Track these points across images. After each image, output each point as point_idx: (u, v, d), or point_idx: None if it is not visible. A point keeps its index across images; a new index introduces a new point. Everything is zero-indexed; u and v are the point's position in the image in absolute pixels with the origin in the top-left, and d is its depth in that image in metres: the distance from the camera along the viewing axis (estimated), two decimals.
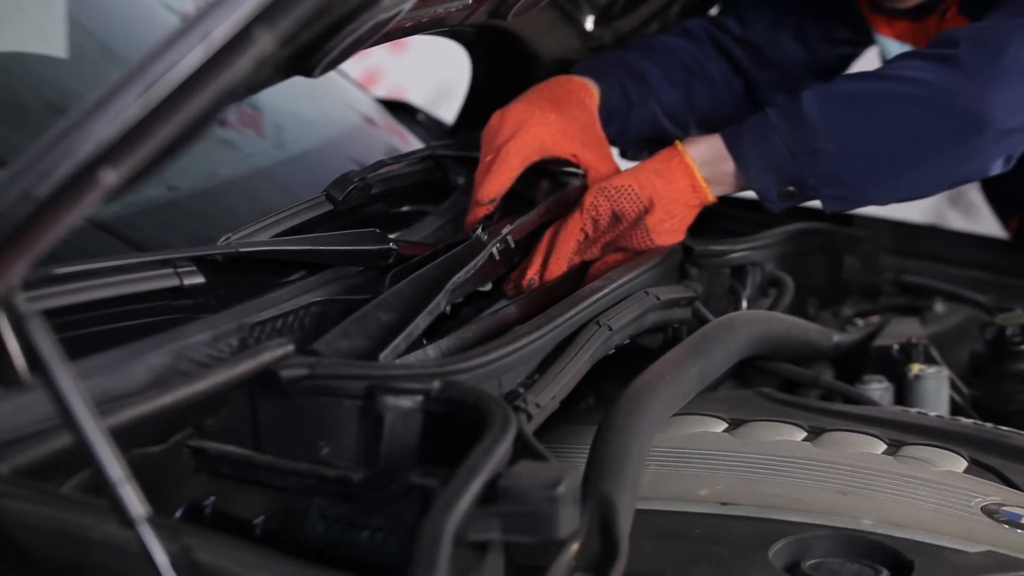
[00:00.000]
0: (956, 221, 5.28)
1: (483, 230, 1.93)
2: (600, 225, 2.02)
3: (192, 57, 1.07)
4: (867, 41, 2.54)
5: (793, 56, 2.53)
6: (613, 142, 2.33)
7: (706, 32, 2.51)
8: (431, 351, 1.63)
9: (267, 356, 1.43)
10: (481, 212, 2.02)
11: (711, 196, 2.08)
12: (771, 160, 2.06)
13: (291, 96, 2.31)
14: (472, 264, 1.81)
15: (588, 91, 2.23)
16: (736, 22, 2.52)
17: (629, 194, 2.01)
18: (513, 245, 1.94)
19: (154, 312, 1.57)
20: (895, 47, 2.38)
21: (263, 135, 2.35)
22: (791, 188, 2.07)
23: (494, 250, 1.88)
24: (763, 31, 2.51)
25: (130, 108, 1.07)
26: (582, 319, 1.76)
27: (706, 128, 2.47)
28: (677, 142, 2.08)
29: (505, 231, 1.93)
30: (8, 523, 1.21)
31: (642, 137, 2.42)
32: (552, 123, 2.11)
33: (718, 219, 2.47)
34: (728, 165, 2.07)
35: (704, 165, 2.06)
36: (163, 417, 1.35)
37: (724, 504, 1.59)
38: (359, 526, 1.38)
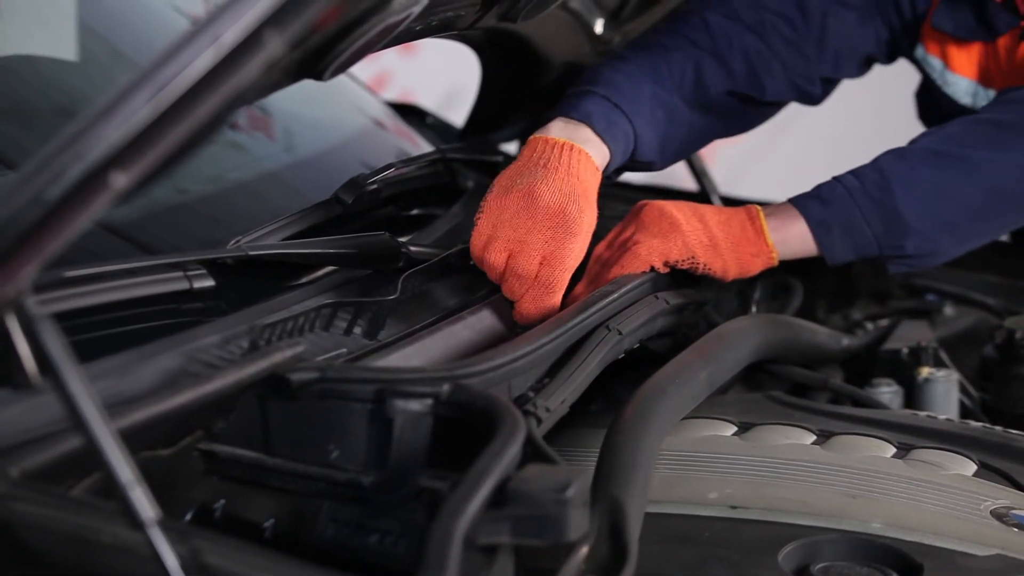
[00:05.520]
0: None
1: None
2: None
3: (202, 60, 1.07)
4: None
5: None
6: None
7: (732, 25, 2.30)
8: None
9: (277, 357, 1.44)
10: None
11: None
12: (857, 247, 2.06)
13: (301, 99, 2.31)
14: None
15: (595, 170, 2.02)
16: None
17: (708, 271, 2.02)
18: None
19: (164, 315, 1.57)
20: (967, 86, 2.30)
21: (273, 138, 2.35)
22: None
23: None
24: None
25: (140, 111, 1.07)
26: (592, 323, 1.77)
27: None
28: (766, 231, 2.04)
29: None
30: (18, 525, 1.21)
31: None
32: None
33: None
34: (809, 247, 2.06)
35: (782, 243, 2.05)
36: (173, 419, 1.36)
37: (733, 507, 1.59)
38: (369, 529, 1.38)
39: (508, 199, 1.91)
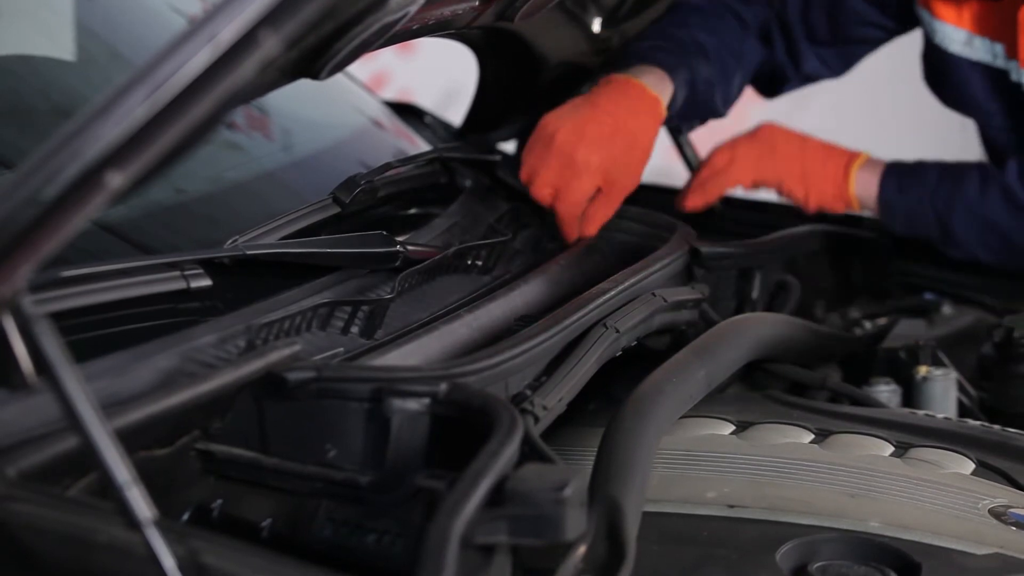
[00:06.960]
0: None
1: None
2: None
3: (198, 60, 1.07)
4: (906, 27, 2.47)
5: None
6: (668, 122, 2.31)
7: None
8: None
9: (274, 356, 1.44)
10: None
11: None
12: (911, 231, 2.37)
13: (299, 99, 2.31)
14: None
15: (658, 107, 2.16)
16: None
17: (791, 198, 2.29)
18: None
19: (161, 315, 1.57)
20: (956, 34, 2.30)
21: (271, 138, 2.35)
22: None
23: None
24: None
25: (136, 110, 1.07)
26: (589, 321, 1.76)
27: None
28: (851, 183, 2.30)
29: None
30: (15, 526, 1.21)
31: (695, 116, 2.40)
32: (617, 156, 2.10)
33: (724, 221, 2.47)
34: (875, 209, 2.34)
35: (861, 199, 2.33)
36: (170, 419, 1.35)
37: (731, 507, 1.59)
38: (366, 529, 1.38)
39: (539, 134, 2.09)
